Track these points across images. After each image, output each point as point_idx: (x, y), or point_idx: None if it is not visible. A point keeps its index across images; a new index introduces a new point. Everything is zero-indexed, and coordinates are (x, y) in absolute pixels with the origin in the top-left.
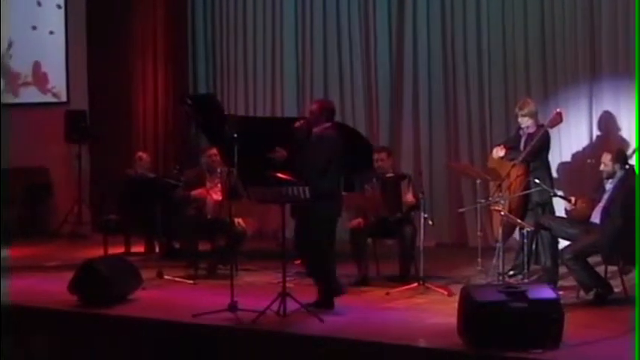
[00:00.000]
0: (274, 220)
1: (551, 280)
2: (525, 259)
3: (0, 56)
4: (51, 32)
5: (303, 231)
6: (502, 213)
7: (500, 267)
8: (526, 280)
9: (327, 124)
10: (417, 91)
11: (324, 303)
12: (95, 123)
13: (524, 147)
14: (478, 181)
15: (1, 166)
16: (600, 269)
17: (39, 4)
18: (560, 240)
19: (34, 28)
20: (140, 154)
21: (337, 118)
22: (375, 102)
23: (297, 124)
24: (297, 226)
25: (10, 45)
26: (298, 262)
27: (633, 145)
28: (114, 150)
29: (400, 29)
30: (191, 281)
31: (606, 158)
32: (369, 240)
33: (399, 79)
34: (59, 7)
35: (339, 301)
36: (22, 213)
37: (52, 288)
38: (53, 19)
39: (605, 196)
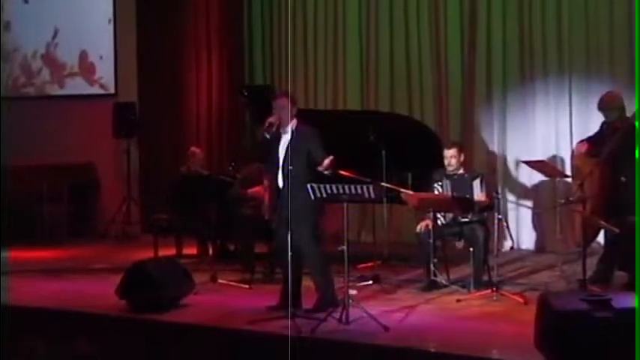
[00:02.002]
0: (336, 221)
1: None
2: (610, 265)
3: None
4: (99, 19)
5: (308, 229)
6: (584, 214)
7: (582, 273)
8: (611, 288)
9: (296, 119)
10: (491, 86)
11: (324, 305)
12: (145, 116)
13: (610, 143)
14: (558, 180)
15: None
16: None
17: None
18: None
19: (81, 15)
20: (193, 149)
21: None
22: (446, 97)
23: (272, 119)
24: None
25: (55, 33)
26: (362, 266)
27: None
28: (165, 145)
29: (473, 20)
30: (247, 285)
31: None
32: (438, 243)
33: (471, 73)
34: None
35: (406, 308)
36: (68, 212)
37: (100, 291)
38: (101, 5)
39: None
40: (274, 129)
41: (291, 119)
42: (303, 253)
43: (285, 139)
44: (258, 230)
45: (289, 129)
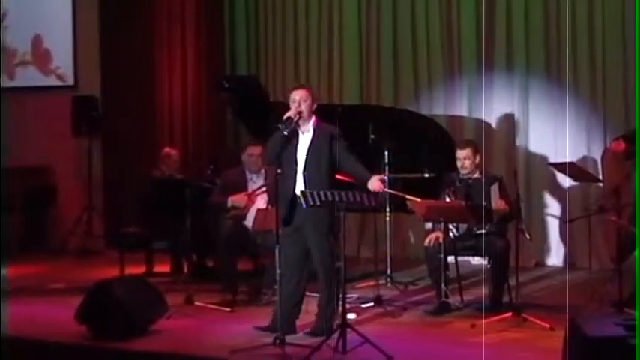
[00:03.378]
0: None
1: None
2: None
3: None
4: None
5: (325, 243)
6: (620, 224)
7: (619, 293)
8: None
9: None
10: (511, 77)
11: (322, 329)
12: (109, 112)
13: None
14: (589, 185)
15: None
16: None
17: None
18: None
19: None
20: (167, 150)
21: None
22: (459, 90)
23: (291, 113)
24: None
25: (4, 15)
26: (362, 285)
27: None
28: (133, 146)
29: (491, 8)
30: (228, 308)
31: None
32: (451, 258)
33: (488, 62)
34: None
35: (411, 334)
36: (19, 223)
37: (57, 316)
38: None
39: None
40: (292, 125)
41: (311, 115)
42: (317, 270)
43: (305, 139)
44: (242, 244)
45: (310, 127)
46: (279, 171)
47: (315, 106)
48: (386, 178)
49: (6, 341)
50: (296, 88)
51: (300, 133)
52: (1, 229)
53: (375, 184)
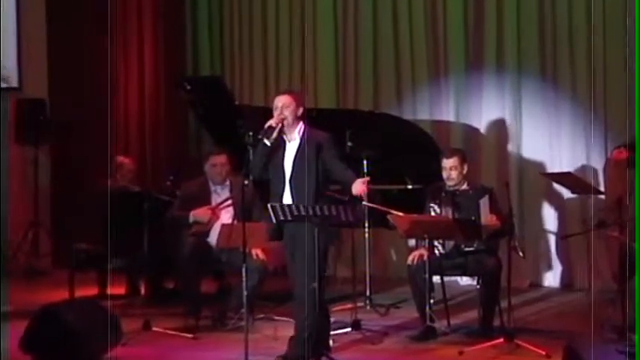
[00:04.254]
0: None
1: None
2: None
3: None
4: None
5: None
6: (622, 241)
7: (622, 317)
8: None
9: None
10: (502, 77)
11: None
12: (58, 117)
13: None
14: (589, 197)
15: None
16: None
17: None
18: None
19: None
20: (121, 159)
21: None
22: (445, 96)
23: (273, 122)
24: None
25: None
26: (338, 308)
27: None
28: (84, 154)
29: (480, 2)
30: (190, 335)
31: None
32: (436, 278)
33: (477, 60)
34: None
35: None
36: None
37: None
38: None
39: None
40: (275, 134)
41: (297, 122)
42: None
43: (292, 148)
44: (205, 263)
45: (296, 135)
46: (246, 182)
47: (300, 111)
48: (367, 180)
49: None
50: (278, 93)
51: (286, 142)
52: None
53: (358, 186)
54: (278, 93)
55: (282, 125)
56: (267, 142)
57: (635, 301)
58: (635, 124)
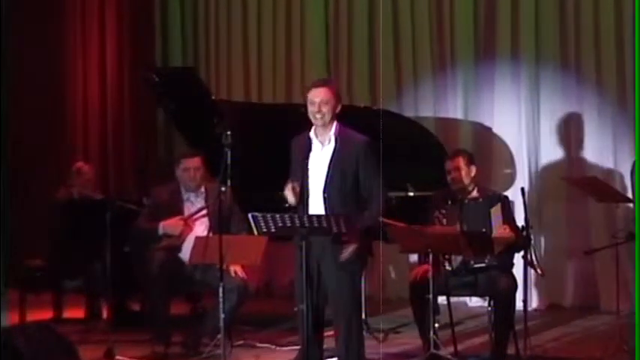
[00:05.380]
0: (289, 268)
1: None
2: None
3: None
4: None
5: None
6: None
7: None
8: None
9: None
10: (518, 69)
11: None
12: (8, 117)
13: None
14: (615, 206)
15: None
16: None
17: None
18: None
19: None
20: (79, 164)
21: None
22: (451, 90)
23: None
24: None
25: None
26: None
27: None
28: (36, 158)
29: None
30: None
31: None
32: (442, 299)
33: (489, 55)
34: None
35: None
36: None
37: None
38: None
39: None
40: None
41: (332, 122)
42: (336, 315)
43: (326, 152)
44: (176, 282)
45: (332, 136)
46: (223, 188)
47: (339, 108)
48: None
49: None
50: (317, 84)
51: (319, 144)
52: (1, 231)
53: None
54: (316, 83)
55: (315, 123)
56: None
57: (635, 300)
58: (635, 125)
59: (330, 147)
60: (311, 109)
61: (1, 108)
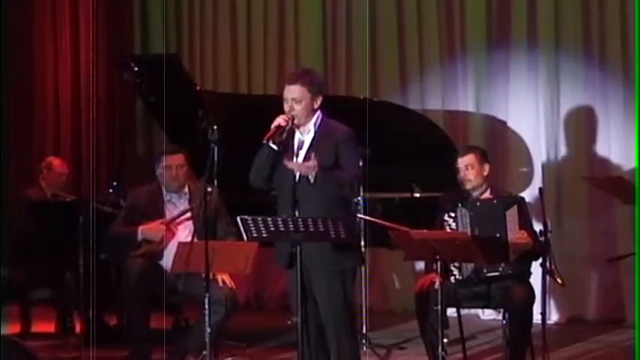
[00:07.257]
0: (283, 279)
1: None
2: None
3: None
4: None
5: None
6: None
7: None
8: None
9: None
10: (535, 58)
11: None
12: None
13: None
14: None
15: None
16: None
17: None
18: None
19: None
20: (50, 160)
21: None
22: (462, 80)
23: (282, 120)
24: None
25: None
26: None
27: None
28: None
29: None
30: None
31: None
32: (452, 311)
33: (503, 42)
34: None
35: None
36: None
37: None
38: None
39: None
40: (284, 135)
41: (313, 113)
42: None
43: (305, 141)
44: (156, 292)
45: (310, 126)
46: (209, 189)
47: (318, 102)
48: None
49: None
50: (289, 80)
51: (298, 134)
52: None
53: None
54: (289, 79)
55: (292, 124)
56: (275, 147)
57: (635, 300)
58: (635, 125)
59: (309, 137)
60: (284, 106)
61: (1, 108)
